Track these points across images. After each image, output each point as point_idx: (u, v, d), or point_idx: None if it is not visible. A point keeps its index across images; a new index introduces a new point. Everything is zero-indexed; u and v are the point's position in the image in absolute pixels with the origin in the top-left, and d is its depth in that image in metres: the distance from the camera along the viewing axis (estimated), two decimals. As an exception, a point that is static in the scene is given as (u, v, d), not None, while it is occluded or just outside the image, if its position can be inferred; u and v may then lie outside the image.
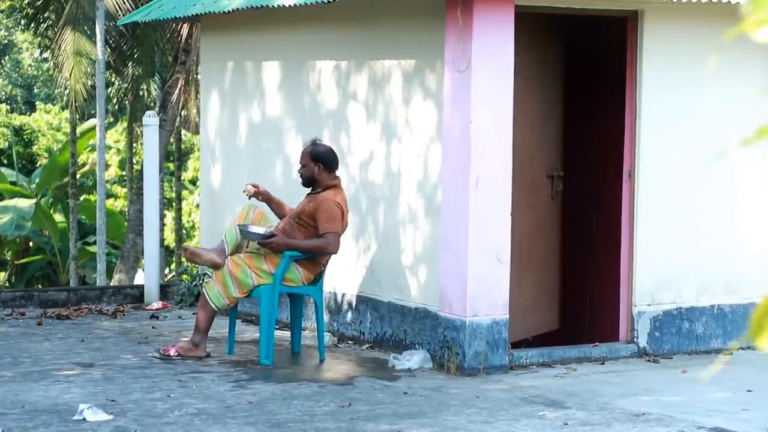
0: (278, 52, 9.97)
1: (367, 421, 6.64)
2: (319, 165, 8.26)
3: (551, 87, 9.36)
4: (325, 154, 8.29)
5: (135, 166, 25.16)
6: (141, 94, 23.00)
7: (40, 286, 26.01)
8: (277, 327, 9.59)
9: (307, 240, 8.20)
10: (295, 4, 8.77)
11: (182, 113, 22.37)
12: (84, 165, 28.95)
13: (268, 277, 8.18)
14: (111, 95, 24.39)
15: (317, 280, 8.35)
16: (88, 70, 18.85)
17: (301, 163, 8.36)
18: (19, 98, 35.76)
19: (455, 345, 8.02)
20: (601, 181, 9.53)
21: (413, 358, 8.19)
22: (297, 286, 8.32)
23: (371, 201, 8.96)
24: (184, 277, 13.42)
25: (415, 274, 8.56)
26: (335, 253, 8.21)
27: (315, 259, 8.26)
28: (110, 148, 30.28)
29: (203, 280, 8.45)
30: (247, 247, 8.38)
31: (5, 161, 31.15)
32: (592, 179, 9.76)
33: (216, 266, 8.26)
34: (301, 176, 8.38)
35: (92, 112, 23.50)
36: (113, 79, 23.44)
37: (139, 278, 20.78)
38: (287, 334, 9.05)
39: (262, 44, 10.18)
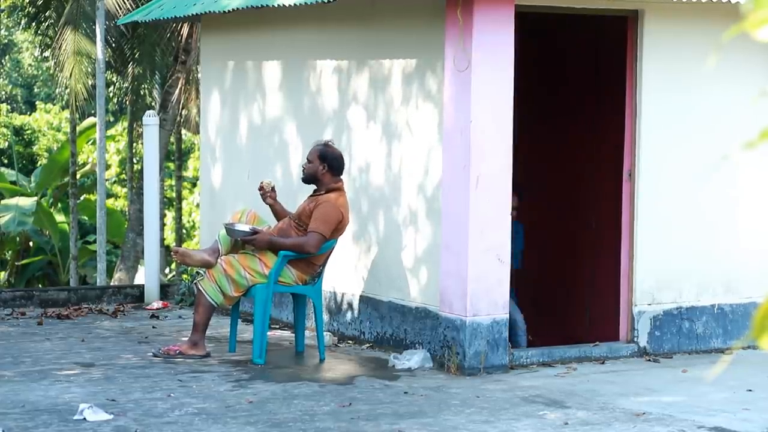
0: (278, 52, 9.97)
1: (367, 421, 6.64)
2: (325, 165, 8.28)
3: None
4: (334, 157, 8.30)
5: (135, 166, 25.16)
6: (141, 93, 23.00)
7: (40, 285, 26.01)
8: (278, 327, 9.62)
9: (289, 237, 8.21)
10: (295, 4, 8.76)
11: (182, 113, 22.37)
12: (84, 165, 28.95)
13: (261, 278, 8.18)
14: (111, 95, 24.39)
15: (315, 280, 8.35)
16: (89, 69, 18.85)
17: (308, 159, 8.37)
18: (19, 98, 35.75)
19: (455, 344, 8.02)
20: (601, 181, 9.53)
21: (413, 358, 8.19)
22: (291, 286, 8.32)
23: (371, 200, 8.96)
24: (185, 276, 13.43)
25: (415, 273, 8.56)
26: (312, 253, 8.17)
27: (308, 260, 8.26)
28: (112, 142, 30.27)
29: (196, 279, 8.44)
30: (243, 248, 8.38)
31: (5, 161, 31.16)
32: (592, 179, 9.76)
33: (208, 265, 8.26)
34: (303, 171, 8.39)
35: (92, 111, 23.50)
36: (114, 79, 23.43)
37: (140, 278, 20.79)
38: (290, 333, 9.04)
39: (262, 44, 10.18)
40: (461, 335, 7.98)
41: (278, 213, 8.56)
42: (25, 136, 32.16)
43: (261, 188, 8.53)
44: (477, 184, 7.92)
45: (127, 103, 24.15)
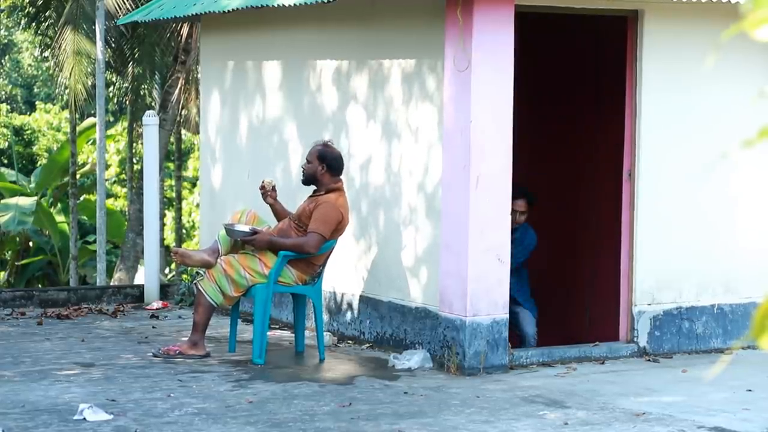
0: (278, 52, 9.97)
1: (367, 421, 6.64)
2: (324, 165, 8.28)
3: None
4: (333, 157, 8.30)
5: (135, 166, 25.16)
6: (141, 93, 23.00)
7: (40, 285, 26.01)
8: (278, 327, 9.62)
9: (288, 238, 8.21)
10: (295, 4, 8.77)
11: (182, 113, 22.38)
12: (84, 165, 28.96)
13: (261, 278, 8.18)
14: (111, 95, 24.39)
15: (315, 280, 8.35)
16: (89, 69, 18.86)
17: (307, 159, 8.37)
18: (19, 98, 35.75)
19: (455, 345, 8.02)
20: (601, 181, 9.53)
21: (413, 358, 8.19)
22: (291, 286, 8.32)
23: (371, 200, 8.96)
24: (185, 276, 13.43)
25: (415, 273, 8.56)
26: (312, 254, 8.17)
27: (308, 260, 8.26)
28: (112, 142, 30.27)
29: (196, 279, 8.45)
30: (243, 248, 8.37)
31: (5, 161, 31.15)
32: (592, 179, 9.76)
33: (207, 265, 8.26)
34: (303, 172, 8.40)
35: (92, 111, 23.51)
36: (113, 79, 23.43)
37: (140, 278, 20.79)
38: (289, 333, 9.03)
39: (262, 44, 10.18)
40: (461, 335, 7.98)
41: (278, 213, 8.57)
42: (25, 136, 32.16)
43: (262, 187, 8.54)
44: (477, 184, 7.92)
45: (127, 103, 24.15)
